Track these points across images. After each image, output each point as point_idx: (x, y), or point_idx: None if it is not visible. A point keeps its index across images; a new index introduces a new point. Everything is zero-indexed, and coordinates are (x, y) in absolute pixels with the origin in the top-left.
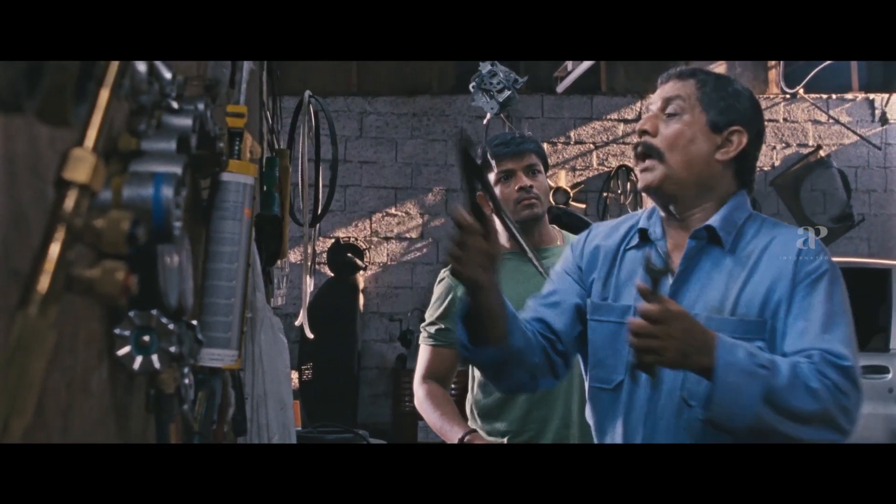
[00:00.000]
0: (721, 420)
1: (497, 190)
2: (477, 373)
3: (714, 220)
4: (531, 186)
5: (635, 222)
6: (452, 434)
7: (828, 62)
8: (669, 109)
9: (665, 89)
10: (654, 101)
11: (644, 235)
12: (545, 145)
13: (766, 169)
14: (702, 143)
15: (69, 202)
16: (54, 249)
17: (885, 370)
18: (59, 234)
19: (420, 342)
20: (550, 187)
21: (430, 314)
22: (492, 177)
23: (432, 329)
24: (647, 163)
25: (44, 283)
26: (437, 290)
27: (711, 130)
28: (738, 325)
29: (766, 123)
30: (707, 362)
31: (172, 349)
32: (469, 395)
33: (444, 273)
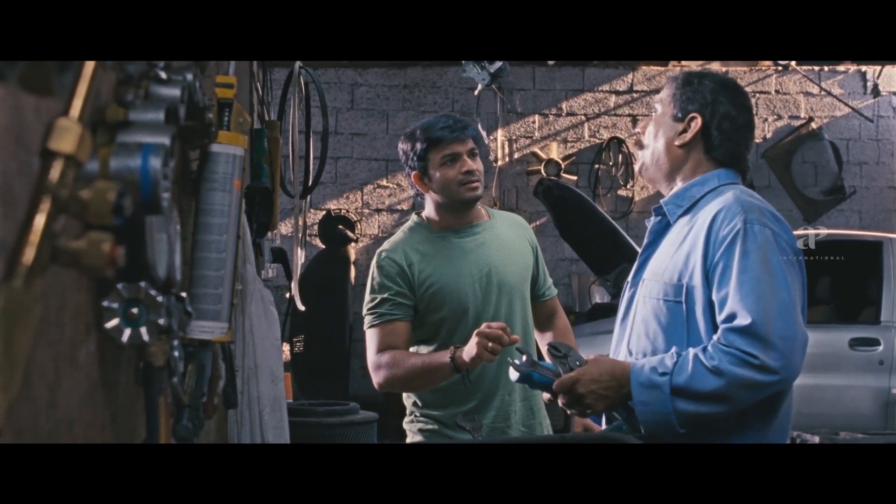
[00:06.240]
0: (657, 437)
1: (439, 172)
2: None
3: (665, 199)
4: (475, 170)
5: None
6: (438, 358)
7: None
8: (654, 111)
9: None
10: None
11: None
12: (536, 117)
13: (757, 141)
14: (665, 135)
15: (55, 173)
16: (39, 221)
17: (876, 342)
18: (45, 206)
19: (366, 328)
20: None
21: (369, 299)
22: (435, 158)
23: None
24: (638, 154)
25: (29, 254)
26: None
27: (674, 121)
28: (662, 287)
29: (757, 96)
30: (628, 391)
31: (161, 321)
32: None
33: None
